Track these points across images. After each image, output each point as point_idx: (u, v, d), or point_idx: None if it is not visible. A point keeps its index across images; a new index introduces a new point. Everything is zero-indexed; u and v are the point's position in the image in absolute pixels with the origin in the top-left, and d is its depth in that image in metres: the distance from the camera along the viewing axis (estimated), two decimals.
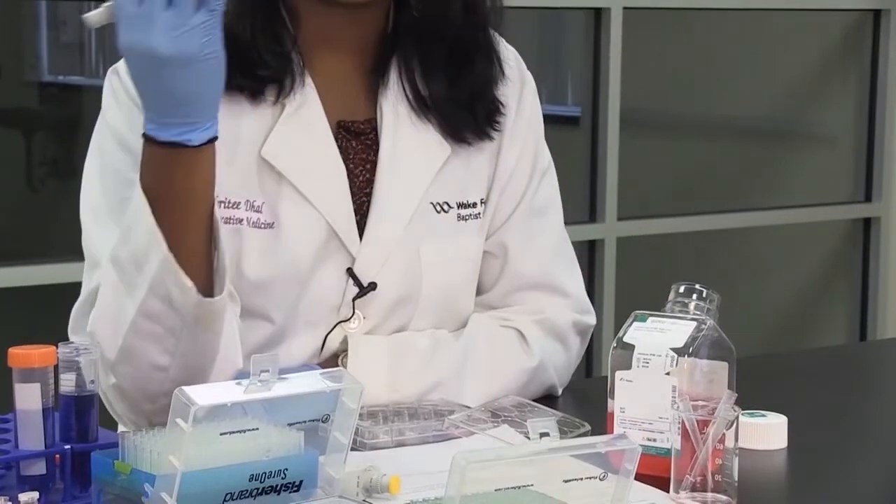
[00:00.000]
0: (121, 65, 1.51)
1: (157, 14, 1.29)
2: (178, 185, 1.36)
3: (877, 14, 4.24)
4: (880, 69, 4.23)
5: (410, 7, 1.56)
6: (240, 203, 1.51)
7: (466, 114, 1.59)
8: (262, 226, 1.51)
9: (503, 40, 1.65)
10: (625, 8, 3.72)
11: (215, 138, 1.37)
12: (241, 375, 1.41)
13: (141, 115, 1.39)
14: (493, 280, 1.64)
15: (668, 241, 4.05)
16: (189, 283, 1.37)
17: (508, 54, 1.65)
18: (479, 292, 1.64)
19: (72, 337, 1.49)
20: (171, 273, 1.37)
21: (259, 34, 1.50)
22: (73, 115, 3.93)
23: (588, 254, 3.75)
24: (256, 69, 1.51)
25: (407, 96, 1.58)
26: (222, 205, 1.48)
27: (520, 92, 1.65)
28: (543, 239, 1.65)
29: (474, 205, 1.61)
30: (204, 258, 1.40)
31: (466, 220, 1.60)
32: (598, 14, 3.73)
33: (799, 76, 4.42)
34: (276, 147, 1.52)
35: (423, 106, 1.58)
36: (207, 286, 1.40)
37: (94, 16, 1.33)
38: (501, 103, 1.61)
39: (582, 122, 3.83)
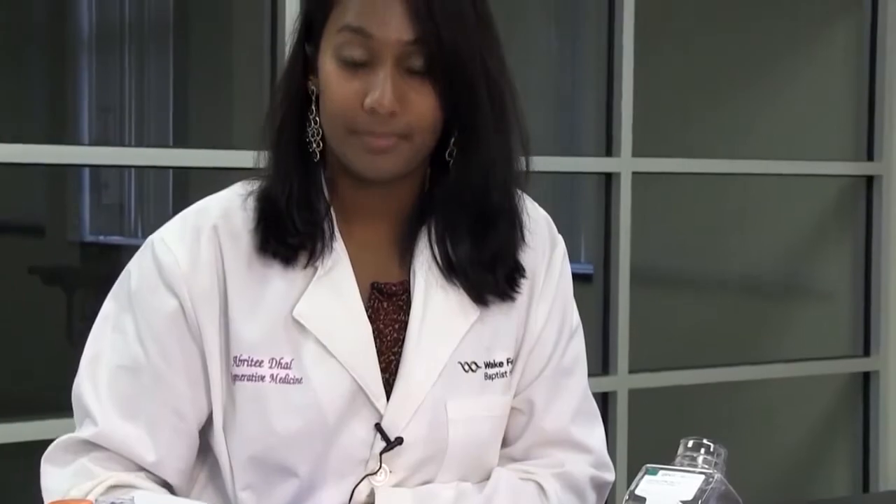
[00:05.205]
0: (157, 236, 1.57)
1: None
2: None
3: (869, 180, 4.34)
4: (874, 230, 4.30)
5: (446, 179, 1.58)
6: (262, 361, 1.54)
7: (488, 275, 1.59)
8: (291, 381, 1.53)
9: (536, 204, 1.66)
10: (634, 173, 3.81)
11: None
12: None
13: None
14: (517, 434, 1.65)
15: (677, 392, 4.07)
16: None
17: (539, 217, 1.66)
18: (503, 445, 1.64)
19: (44, 464, 1.55)
20: None
21: (294, 203, 1.53)
22: (113, 273, 4.04)
23: (601, 406, 3.70)
24: (288, 237, 1.54)
25: (437, 261, 1.59)
26: (245, 363, 1.54)
27: (549, 255, 1.65)
28: (568, 398, 1.66)
29: (501, 364, 1.61)
30: None
31: (493, 378, 1.60)
32: (609, 178, 3.83)
33: (798, 236, 4.48)
34: (309, 309, 1.54)
35: (451, 269, 1.59)
36: None
37: None
38: (522, 266, 1.62)
39: (594, 278, 3.87)
